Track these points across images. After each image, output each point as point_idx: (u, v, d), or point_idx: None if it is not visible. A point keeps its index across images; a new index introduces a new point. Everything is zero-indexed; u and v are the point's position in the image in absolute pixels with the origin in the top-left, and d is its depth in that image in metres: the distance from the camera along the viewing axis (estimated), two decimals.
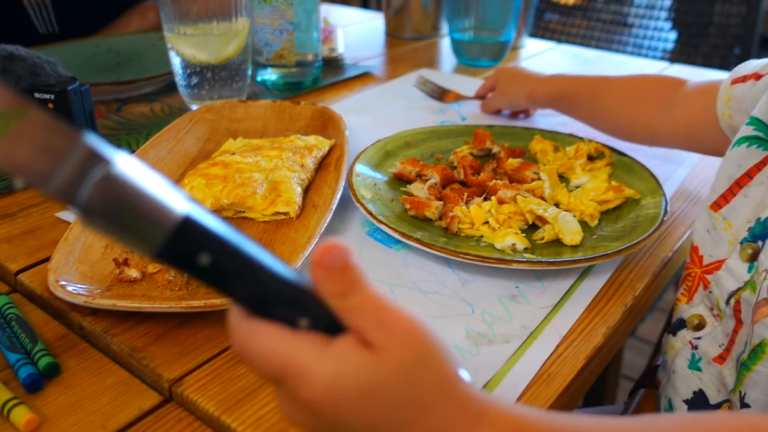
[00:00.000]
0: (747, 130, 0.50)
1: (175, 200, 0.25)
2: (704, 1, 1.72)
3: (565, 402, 0.43)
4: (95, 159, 0.24)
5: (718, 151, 0.60)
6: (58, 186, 0.24)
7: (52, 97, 0.66)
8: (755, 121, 0.50)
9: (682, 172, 0.73)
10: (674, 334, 0.54)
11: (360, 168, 0.65)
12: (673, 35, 1.81)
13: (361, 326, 0.28)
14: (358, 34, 1.27)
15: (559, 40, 1.83)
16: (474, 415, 0.29)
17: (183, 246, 0.25)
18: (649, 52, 1.82)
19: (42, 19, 0.93)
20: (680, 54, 1.80)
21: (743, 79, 0.57)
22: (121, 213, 0.24)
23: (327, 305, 0.28)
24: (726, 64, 1.66)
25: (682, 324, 0.53)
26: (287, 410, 0.29)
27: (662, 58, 1.85)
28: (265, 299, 0.27)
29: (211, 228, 0.26)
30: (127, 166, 0.24)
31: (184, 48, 0.81)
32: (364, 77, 1.00)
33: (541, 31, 1.83)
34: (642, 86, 0.70)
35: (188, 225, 0.25)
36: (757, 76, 0.55)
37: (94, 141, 0.24)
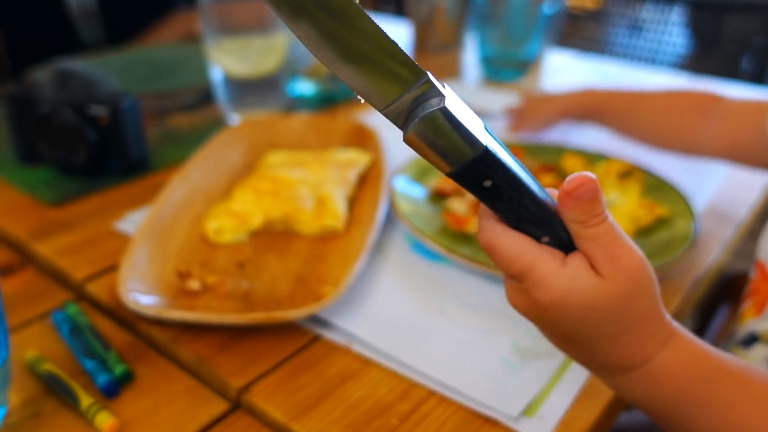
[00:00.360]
0: None
1: (480, 132, 0.31)
2: (716, 10, 1.74)
3: (609, 412, 0.45)
4: (434, 91, 0.30)
5: (764, 164, 0.65)
6: (398, 108, 0.31)
7: (107, 112, 0.69)
8: None
9: (709, 187, 0.76)
10: (746, 346, 0.56)
11: (400, 183, 0.67)
12: (686, 42, 1.84)
13: (594, 255, 0.33)
14: None
15: (577, 47, 1.86)
16: (664, 336, 0.36)
17: (478, 169, 0.31)
18: (663, 57, 1.84)
19: (89, 28, 0.96)
20: (695, 60, 1.83)
21: None
22: (444, 136, 0.30)
23: (566, 228, 0.33)
24: (737, 73, 1.68)
25: (754, 338, 0.55)
26: (515, 300, 0.36)
27: (676, 65, 1.87)
28: (522, 218, 0.33)
29: (499, 158, 0.31)
30: (453, 101, 0.31)
31: (225, 60, 0.84)
32: None
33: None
34: (682, 99, 0.73)
35: (487, 154, 0.31)
36: None
37: (433, 78, 0.31)
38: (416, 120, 0.30)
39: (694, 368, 0.36)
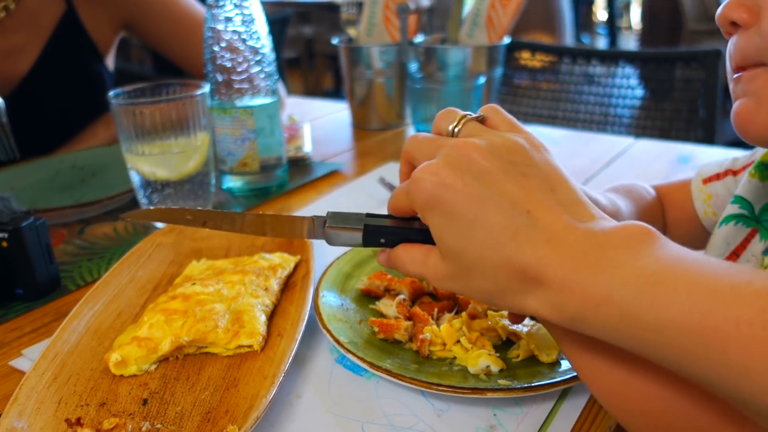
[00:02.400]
0: (732, 209, 0.53)
1: (360, 218, 0.49)
2: (667, 64, 1.76)
3: None
4: (318, 218, 0.50)
5: (694, 243, 0.62)
6: (312, 233, 0.51)
7: (6, 235, 0.64)
8: (739, 200, 0.53)
9: None
10: None
11: (326, 286, 0.63)
12: (640, 92, 1.85)
13: None
14: (325, 127, 1.27)
15: (532, 100, 1.86)
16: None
17: (370, 237, 0.48)
18: (617, 110, 1.85)
19: (3, 149, 0.92)
20: (648, 110, 1.83)
21: (718, 176, 0.61)
22: (341, 232, 0.49)
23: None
24: (691, 127, 1.68)
25: None
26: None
27: (630, 116, 1.88)
28: (396, 242, 0.47)
29: (377, 225, 0.48)
30: (335, 214, 0.49)
31: (144, 167, 0.80)
32: (332, 176, 1.00)
33: (511, 95, 1.86)
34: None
35: (366, 228, 0.48)
36: (734, 172, 0.60)
37: (314, 218, 0.51)
38: (324, 227, 0.49)
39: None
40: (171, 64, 1.28)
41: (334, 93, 5.49)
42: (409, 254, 0.45)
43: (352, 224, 0.48)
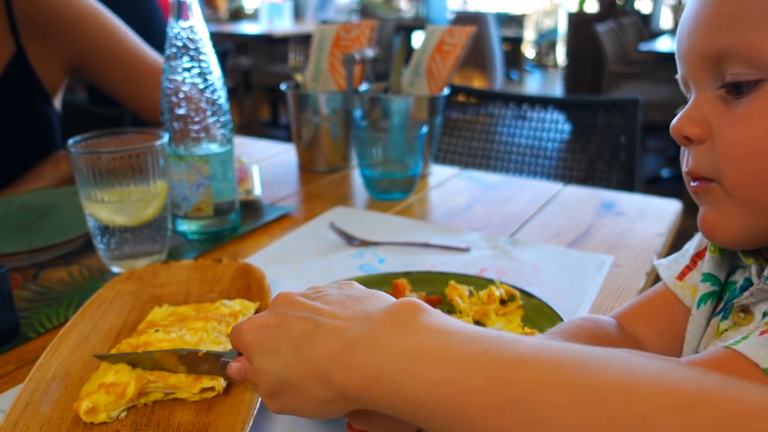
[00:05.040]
0: (705, 287, 0.55)
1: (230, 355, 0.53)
2: (590, 111, 1.88)
3: None
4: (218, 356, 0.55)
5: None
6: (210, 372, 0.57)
7: None
8: (708, 277, 0.55)
9: (596, 279, 0.83)
10: None
11: None
12: (567, 127, 1.97)
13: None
14: (272, 169, 1.31)
15: (467, 141, 1.94)
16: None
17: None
18: (547, 152, 1.96)
19: None
20: (574, 152, 1.95)
21: (689, 268, 0.60)
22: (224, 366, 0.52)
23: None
24: (613, 169, 1.80)
25: None
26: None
27: (558, 158, 2.00)
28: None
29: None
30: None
31: (102, 213, 0.82)
32: (282, 220, 1.04)
33: (448, 131, 1.94)
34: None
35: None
36: (699, 257, 0.59)
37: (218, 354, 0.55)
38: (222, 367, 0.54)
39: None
40: (105, 95, 1.29)
41: (272, 124, 5.51)
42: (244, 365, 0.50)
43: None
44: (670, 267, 0.62)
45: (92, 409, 0.56)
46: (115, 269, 0.85)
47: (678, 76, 0.51)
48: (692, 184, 0.50)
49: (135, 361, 0.59)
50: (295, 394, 0.43)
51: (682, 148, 0.51)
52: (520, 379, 0.33)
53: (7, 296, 0.69)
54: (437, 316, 0.40)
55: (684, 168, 0.50)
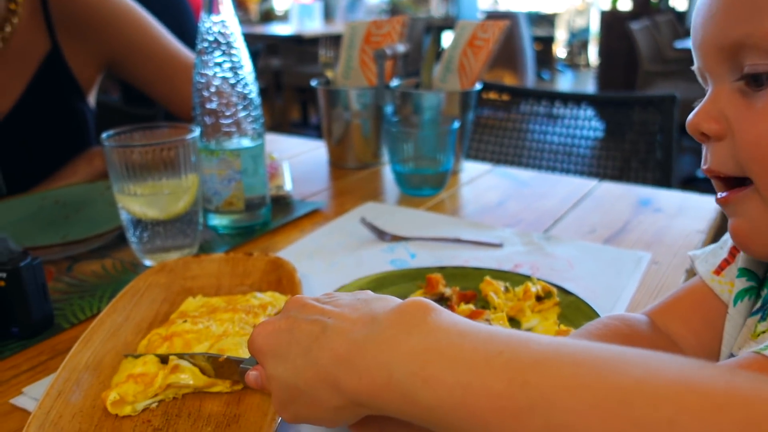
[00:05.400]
0: (741, 283, 0.52)
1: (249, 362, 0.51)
2: (624, 108, 1.85)
3: None
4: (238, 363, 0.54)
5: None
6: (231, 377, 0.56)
7: (4, 275, 0.66)
8: (744, 272, 0.53)
9: (634, 276, 0.80)
10: None
11: None
12: (600, 125, 1.93)
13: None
14: (303, 165, 1.31)
15: (499, 138, 1.92)
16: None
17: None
18: (580, 149, 1.93)
19: None
20: (608, 150, 1.92)
21: (727, 262, 0.57)
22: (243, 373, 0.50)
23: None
24: (648, 167, 1.77)
25: None
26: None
27: (591, 156, 1.96)
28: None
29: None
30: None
31: (134, 207, 0.82)
32: (312, 215, 1.03)
33: (478, 133, 1.93)
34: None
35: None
36: (738, 249, 0.56)
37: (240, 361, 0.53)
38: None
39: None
40: (140, 95, 1.31)
41: (302, 124, 5.54)
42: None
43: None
44: (706, 260, 0.59)
45: (119, 401, 0.55)
46: (148, 262, 0.85)
47: (694, 68, 0.48)
48: (720, 195, 0.47)
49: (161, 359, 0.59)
50: (306, 401, 0.41)
51: (690, 118, 0.48)
52: (536, 381, 0.31)
53: (41, 287, 0.69)
54: (448, 315, 0.38)
55: (704, 166, 0.47)
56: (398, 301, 0.42)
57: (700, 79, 0.49)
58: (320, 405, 0.40)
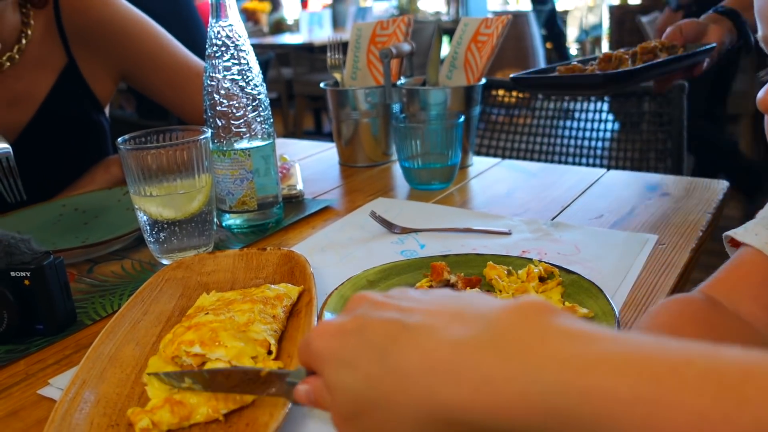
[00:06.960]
0: None
1: (297, 375, 0.45)
2: (634, 99, 1.85)
3: None
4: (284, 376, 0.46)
5: None
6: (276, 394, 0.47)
7: (28, 274, 0.69)
8: None
9: (640, 256, 0.82)
10: None
11: (328, 311, 0.68)
12: (611, 118, 1.94)
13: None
14: (314, 166, 1.34)
15: (510, 134, 1.94)
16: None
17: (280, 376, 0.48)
18: (591, 142, 1.93)
19: (10, 190, 0.97)
20: (620, 142, 1.92)
21: None
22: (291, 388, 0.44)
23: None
24: (661, 158, 1.77)
25: None
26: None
27: (603, 148, 1.97)
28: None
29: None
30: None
31: (150, 207, 0.85)
32: (324, 212, 1.06)
33: (489, 131, 1.94)
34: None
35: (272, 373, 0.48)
36: None
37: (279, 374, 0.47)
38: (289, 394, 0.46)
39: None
40: (154, 109, 1.34)
41: (315, 133, 5.58)
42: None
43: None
44: (758, 234, 0.54)
45: (149, 429, 0.53)
46: (165, 261, 0.88)
47: (759, 36, 0.46)
48: None
49: (191, 377, 0.54)
50: (380, 417, 0.34)
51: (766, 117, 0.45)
52: (760, 397, 0.25)
53: (64, 284, 0.72)
54: (571, 317, 0.32)
55: None
56: (494, 298, 0.36)
57: (765, 49, 0.46)
58: (396, 421, 0.34)
